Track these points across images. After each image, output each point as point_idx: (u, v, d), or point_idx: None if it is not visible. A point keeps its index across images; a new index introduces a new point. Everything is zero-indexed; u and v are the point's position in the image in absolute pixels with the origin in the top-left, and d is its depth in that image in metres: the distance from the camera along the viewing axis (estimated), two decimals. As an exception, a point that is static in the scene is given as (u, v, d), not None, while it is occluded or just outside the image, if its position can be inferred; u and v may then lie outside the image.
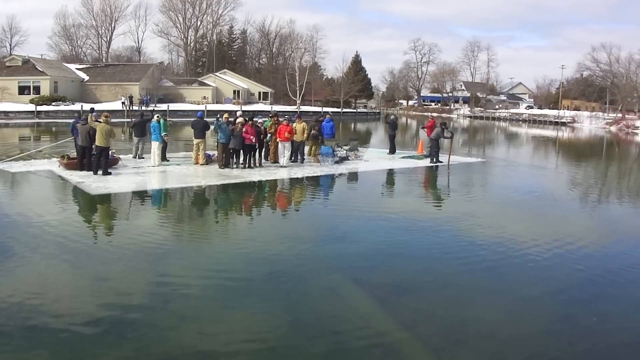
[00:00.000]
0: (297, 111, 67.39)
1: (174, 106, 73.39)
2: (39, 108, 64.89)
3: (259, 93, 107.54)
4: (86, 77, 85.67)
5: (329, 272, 10.70)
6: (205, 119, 24.66)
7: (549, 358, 7.66)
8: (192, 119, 25.62)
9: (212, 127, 23.50)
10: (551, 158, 41.11)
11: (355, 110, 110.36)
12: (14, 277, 9.95)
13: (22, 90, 74.88)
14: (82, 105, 65.98)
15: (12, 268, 10.38)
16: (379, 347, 7.73)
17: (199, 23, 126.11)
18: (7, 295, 8.95)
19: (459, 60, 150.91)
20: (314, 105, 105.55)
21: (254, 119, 24.84)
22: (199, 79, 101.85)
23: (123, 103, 71.03)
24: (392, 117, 33.77)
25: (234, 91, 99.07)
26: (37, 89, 74.57)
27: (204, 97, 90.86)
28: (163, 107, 69.74)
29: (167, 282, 9.99)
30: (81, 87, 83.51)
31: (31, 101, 68.14)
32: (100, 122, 20.66)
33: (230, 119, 23.87)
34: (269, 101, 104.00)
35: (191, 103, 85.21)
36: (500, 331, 8.38)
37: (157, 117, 24.09)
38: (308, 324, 8.41)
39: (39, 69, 76.54)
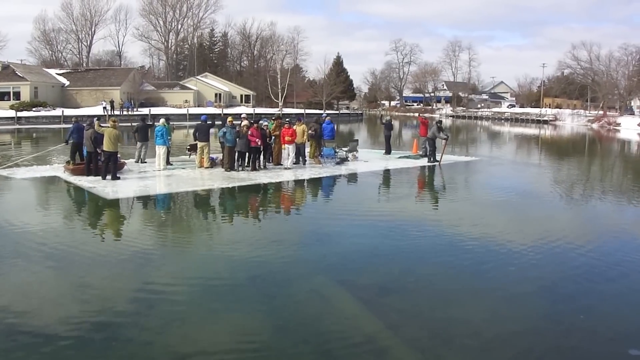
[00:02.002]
0: (279, 114, 67.33)
1: (155, 110, 72.91)
2: (20, 114, 64.22)
3: (241, 96, 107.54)
4: (67, 82, 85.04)
5: (314, 275, 10.66)
6: (209, 122, 24.91)
7: (535, 356, 7.66)
8: (196, 122, 25.75)
9: (217, 131, 23.48)
10: (537, 156, 41.35)
11: (337, 112, 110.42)
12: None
13: (2, 96, 74.11)
14: (63, 111, 65.62)
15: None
16: (365, 349, 7.71)
17: (179, 26, 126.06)
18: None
19: (440, 60, 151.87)
20: (297, 108, 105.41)
21: (260, 122, 24.99)
22: (181, 82, 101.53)
23: (104, 108, 70.68)
24: (387, 118, 33.93)
25: (216, 94, 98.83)
26: (17, 95, 73.78)
27: (186, 100, 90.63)
28: (144, 111, 69.37)
29: (151, 287, 9.91)
30: (62, 93, 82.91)
31: (11, 107, 67.46)
32: (104, 127, 20.66)
33: (235, 122, 23.95)
34: (251, 104, 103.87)
35: (173, 107, 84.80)
36: (486, 330, 8.37)
37: (163, 121, 24.23)
38: (293, 327, 8.36)
39: (19, 74, 75.80)
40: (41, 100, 73.64)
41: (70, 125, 24.36)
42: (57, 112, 66.91)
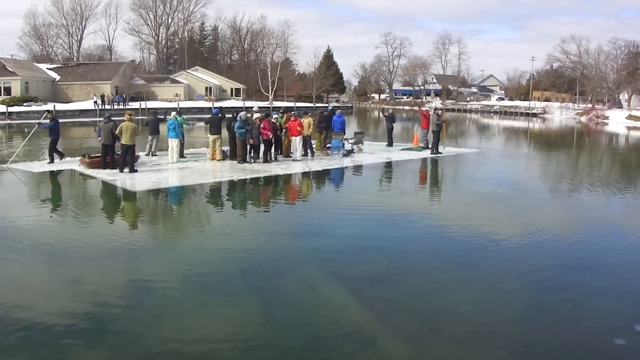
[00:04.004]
0: (270, 106, 67.28)
1: (146, 104, 72.67)
2: (10, 109, 63.75)
3: (231, 89, 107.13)
4: (57, 77, 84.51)
5: (304, 266, 10.75)
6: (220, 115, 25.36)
7: (522, 345, 7.76)
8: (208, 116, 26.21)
9: (234, 125, 23.69)
10: (526, 149, 41.49)
11: (327, 105, 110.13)
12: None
13: (-7, 91, 73.87)
14: (54, 106, 65.29)
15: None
16: (354, 339, 7.79)
17: (170, 20, 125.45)
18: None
19: (430, 54, 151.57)
20: (287, 101, 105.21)
21: (270, 114, 25.63)
22: (171, 76, 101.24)
23: (95, 102, 70.45)
24: (390, 111, 34.28)
25: (206, 88, 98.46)
26: (7, 90, 73.42)
27: (176, 94, 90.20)
28: (135, 105, 69.21)
29: (142, 279, 9.98)
30: (53, 87, 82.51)
31: (2, 102, 67.05)
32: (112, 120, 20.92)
33: (248, 115, 24.56)
34: (241, 97, 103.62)
35: (163, 101, 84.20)
36: (474, 320, 8.47)
37: (174, 114, 24.54)
38: (283, 317, 8.44)
39: (10, 69, 75.32)
40: (32, 95, 73.21)
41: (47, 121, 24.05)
42: (48, 107, 66.46)
